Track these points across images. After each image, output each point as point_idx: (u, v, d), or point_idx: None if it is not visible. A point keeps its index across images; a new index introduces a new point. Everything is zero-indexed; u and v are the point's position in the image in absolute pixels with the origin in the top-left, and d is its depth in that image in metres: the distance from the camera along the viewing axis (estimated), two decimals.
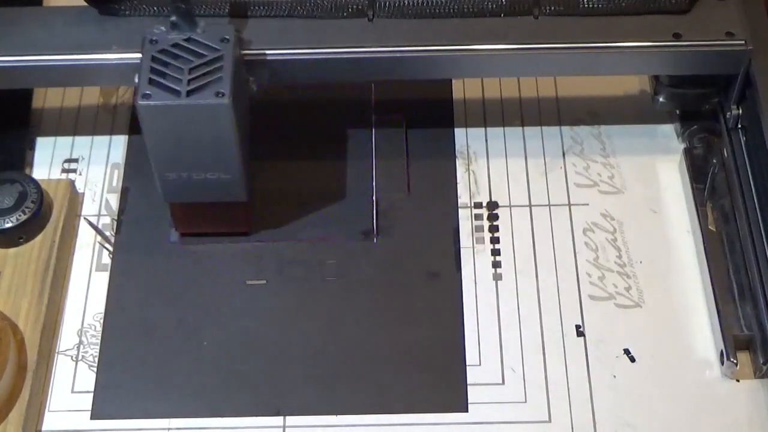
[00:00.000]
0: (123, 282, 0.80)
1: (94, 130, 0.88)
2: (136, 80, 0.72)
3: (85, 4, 0.81)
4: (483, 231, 0.82)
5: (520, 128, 0.88)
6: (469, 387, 0.75)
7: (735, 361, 0.74)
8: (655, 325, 0.78)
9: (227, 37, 0.74)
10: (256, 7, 0.81)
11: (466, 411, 0.74)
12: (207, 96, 0.72)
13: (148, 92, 0.72)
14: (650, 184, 0.84)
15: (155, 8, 0.80)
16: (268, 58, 0.79)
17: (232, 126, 0.73)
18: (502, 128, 0.88)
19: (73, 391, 0.76)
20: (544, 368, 0.76)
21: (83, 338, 0.78)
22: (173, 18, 0.74)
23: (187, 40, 0.74)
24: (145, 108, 0.72)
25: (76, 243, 0.82)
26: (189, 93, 0.72)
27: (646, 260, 0.81)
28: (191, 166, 0.75)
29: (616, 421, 0.74)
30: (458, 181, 0.85)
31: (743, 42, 0.80)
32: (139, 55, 0.74)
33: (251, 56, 0.78)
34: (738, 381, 0.75)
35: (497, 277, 0.80)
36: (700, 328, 0.77)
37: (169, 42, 0.74)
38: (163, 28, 0.74)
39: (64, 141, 0.88)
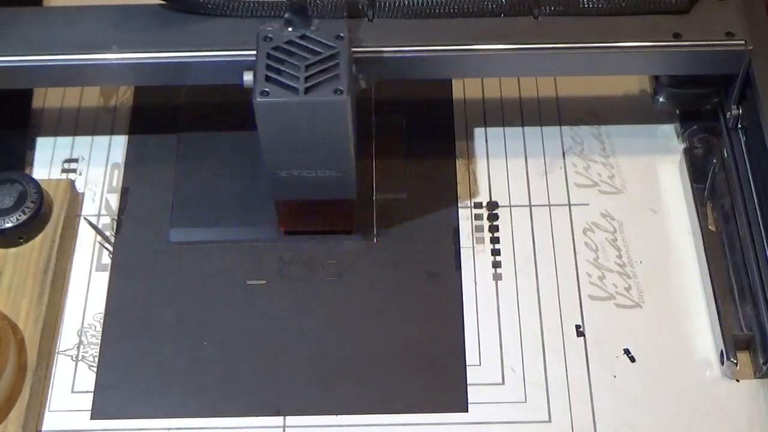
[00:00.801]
0: (123, 282, 0.80)
1: (94, 130, 0.88)
2: (248, 78, 0.72)
3: (83, 3, 0.81)
4: (483, 231, 0.82)
5: (520, 128, 0.88)
6: (469, 387, 0.75)
7: (735, 361, 0.74)
8: (655, 325, 0.78)
9: (342, 34, 0.74)
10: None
11: (466, 411, 0.74)
12: (325, 93, 0.71)
13: (266, 89, 0.71)
14: (650, 184, 0.84)
15: (240, 7, 0.80)
16: (384, 55, 0.79)
17: (348, 123, 0.73)
18: (502, 128, 0.88)
19: (73, 391, 0.76)
20: (544, 368, 0.76)
21: (83, 338, 0.78)
22: (287, 15, 0.74)
23: (302, 37, 0.74)
24: (263, 105, 0.71)
25: (76, 243, 0.82)
26: (307, 90, 0.71)
27: (646, 260, 0.81)
28: (304, 163, 0.75)
29: (616, 421, 0.74)
30: (458, 181, 0.85)
31: (743, 42, 0.80)
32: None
33: (361, 54, 0.78)
34: (738, 381, 0.75)
35: (497, 277, 0.80)
36: (700, 328, 0.77)
37: (284, 39, 0.74)
38: (276, 25, 0.74)
39: (64, 141, 0.88)
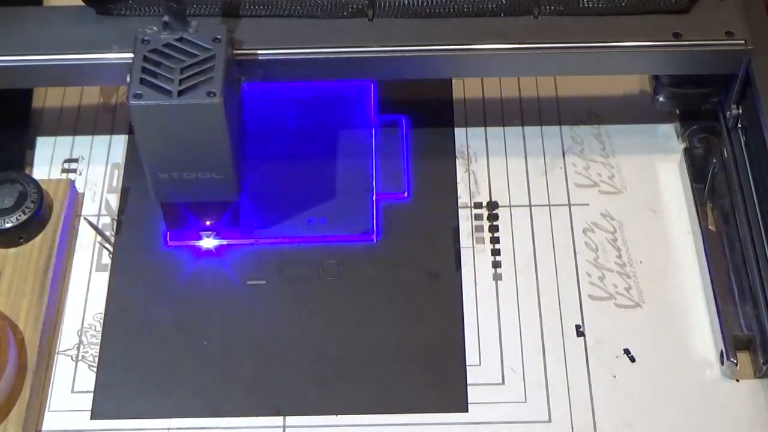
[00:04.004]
0: (123, 282, 0.80)
1: (94, 130, 0.88)
2: (128, 80, 0.72)
3: (83, 3, 0.81)
4: (483, 231, 0.82)
5: (520, 128, 0.88)
6: (469, 387, 0.75)
7: (735, 361, 0.74)
8: (655, 325, 0.78)
9: (219, 36, 0.74)
10: (254, 6, 0.81)
11: (466, 411, 0.74)
12: (198, 96, 0.71)
13: (139, 92, 0.72)
14: (650, 184, 0.84)
15: (150, 8, 0.80)
16: (260, 57, 0.79)
17: (223, 125, 0.73)
18: (502, 128, 0.88)
19: (73, 391, 0.76)
20: (544, 368, 0.76)
21: (83, 338, 0.78)
22: (165, 18, 0.74)
23: (179, 39, 0.74)
24: (137, 107, 0.72)
25: (76, 243, 0.82)
26: (180, 93, 0.71)
27: (646, 260, 0.81)
28: (183, 165, 0.75)
29: (616, 421, 0.74)
30: (458, 181, 0.85)
31: (743, 42, 0.80)
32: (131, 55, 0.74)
33: (243, 56, 0.78)
34: (738, 381, 0.75)
35: (497, 277, 0.80)
36: (700, 328, 0.77)
37: (162, 42, 0.74)
38: (155, 27, 0.74)
39: (64, 141, 0.88)
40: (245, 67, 0.78)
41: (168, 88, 0.72)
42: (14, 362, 0.73)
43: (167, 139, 0.73)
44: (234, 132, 0.75)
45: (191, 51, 0.73)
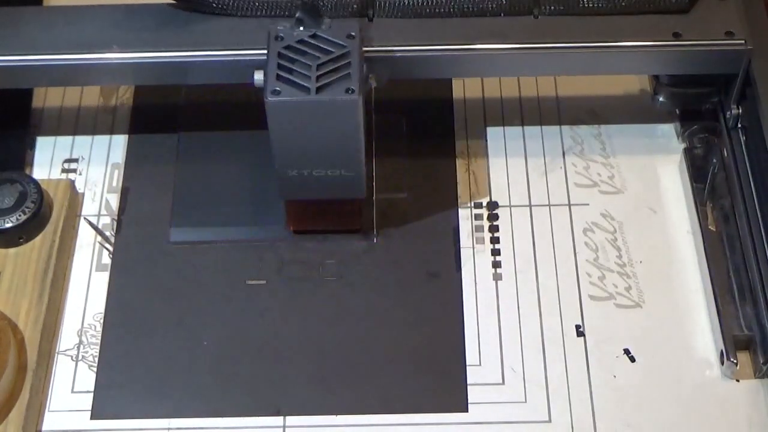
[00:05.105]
0: (123, 282, 0.80)
1: (94, 130, 0.88)
2: (259, 77, 0.72)
3: (83, 3, 0.81)
4: (483, 231, 0.82)
5: (520, 128, 0.88)
6: (469, 387, 0.75)
7: (735, 361, 0.74)
8: (655, 325, 0.78)
9: (353, 33, 0.74)
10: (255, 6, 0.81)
11: (466, 411, 0.74)
12: (337, 92, 0.71)
13: (277, 89, 0.71)
14: (650, 184, 0.84)
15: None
16: (394, 55, 0.79)
17: (359, 122, 0.73)
18: (502, 128, 0.88)
19: (73, 391, 0.76)
20: (544, 368, 0.76)
21: (83, 338, 0.78)
22: (299, 14, 0.74)
23: (313, 36, 0.74)
24: (275, 104, 0.71)
25: (76, 243, 0.82)
26: (318, 89, 0.71)
27: (646, 260, 0.81)
28: (314, 162, 0.75)
29: (616, 421, 0.74)
30: (458, 181, 0.85)
31: (743, 42, 0.80)
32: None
33: (372, 53, 0.78)
34: (738, 381, 0.75)
35: (497, 277, 0.80)
36: (700, 328, 0.77)
37: (295, 38, 0.74)
38: (287, 24, 0.74)
39: (64, 141, 0.88)
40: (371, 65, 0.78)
41: (306, 84, 0.71)
42: (14, 362, 0.73)
43: (302, 135, 0.73)
44: (364, 129, 0.75)
45: (326, 48, 0.73)
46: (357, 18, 0.80)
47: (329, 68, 0.72)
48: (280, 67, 0.72)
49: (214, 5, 0.80)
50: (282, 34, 0.74)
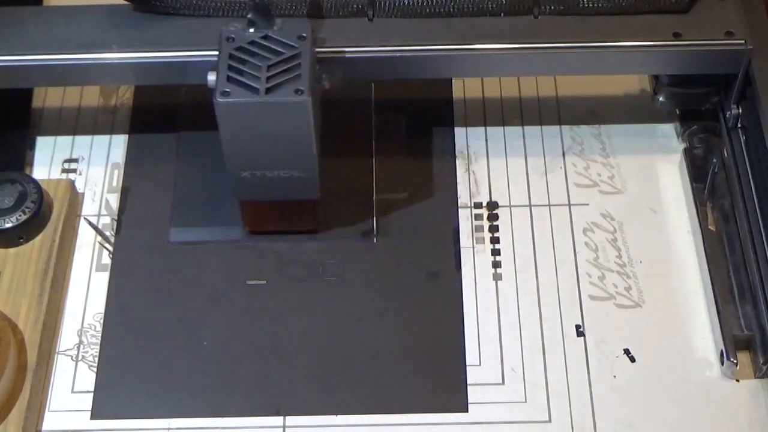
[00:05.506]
0: (123, 282, 0.80)
1: (94, 130, 0.88)
2: (212, 78, 0.72)
3: (82, 3, 0.81)
4: (483, 231, 0.82)
5: (520, 128, 0.88)
6: (469, 387, 0.75)
7: (735, 361, 0.74)
8: (655, 325, 0.78)
9: (304, 34, 0.74)
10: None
11: (466, 411, 0.74)
12: (286, 93, 0.71)
13: (227, 90, 0.72)
14: (650, 184, 0.84)
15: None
16: (346, 56, 0.79)
17: (310, 123, 0.73)
18: (502, 128, 0.88)
19: (73, 391, 0.76)
20: (544, 368, 0.76)
21: (83, 338, 0.78)
22: (250, 15, 0.74)
23: (264, 37, 0.74)
24: (224, 105, 0.72)
25: (76, 243, 0.82)
26: (268, 90, 0.71)
27: (646, 260, 0.81)
28: (266, 163, 0.75)
29: (616, 421, 0.74)
30: (458, 181, 0.85)
31: (743, 41, 0.80)
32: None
33: (324, 54, 0.78)
34: (738, 381, 0.75)
35: (497, 277, 0.80)
36: (700, 328, 0.77)
37: (247, 39, 0.74)
38: (239, 25, 0.74)
39: (64, 141, 0.88)
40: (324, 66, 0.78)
41: (255, 86, 0.71)
42: (14, 362, 0.73)
43: (252, 136, 0.73)
44: (316, 130, 0.75)
45: (277, 49, 0.73)
46: (347, 18, 0.80)
47: (279, 69, 0.72)
48: (230, 68, 0.72)
49: (169, 5, 0.80)
50: (233, 35, 0.74)
